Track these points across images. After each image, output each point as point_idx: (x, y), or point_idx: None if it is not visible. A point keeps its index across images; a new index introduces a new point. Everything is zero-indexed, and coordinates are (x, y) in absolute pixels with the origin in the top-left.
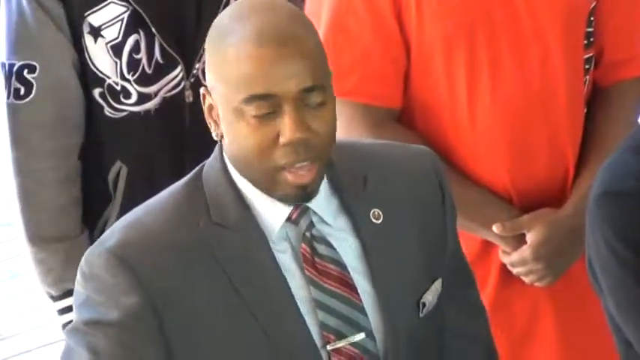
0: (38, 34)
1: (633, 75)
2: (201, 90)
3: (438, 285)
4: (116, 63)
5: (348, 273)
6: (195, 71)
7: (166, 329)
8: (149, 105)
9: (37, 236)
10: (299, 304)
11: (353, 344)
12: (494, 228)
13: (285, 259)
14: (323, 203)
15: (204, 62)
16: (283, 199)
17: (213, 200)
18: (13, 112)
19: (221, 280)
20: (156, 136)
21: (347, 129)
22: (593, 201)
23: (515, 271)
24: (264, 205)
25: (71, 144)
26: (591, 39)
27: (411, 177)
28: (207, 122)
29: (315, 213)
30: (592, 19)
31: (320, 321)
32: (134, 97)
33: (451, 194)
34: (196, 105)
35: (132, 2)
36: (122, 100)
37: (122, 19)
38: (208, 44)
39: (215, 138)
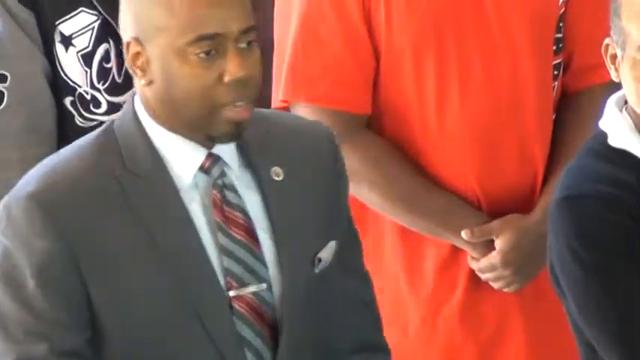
0: (9, 43)
1: (602, 80)
2: (125, 39)
3: (332, 245)
4: (86, 72)
5: (253, 223)
6: None
7: (83, 272)
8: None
9: None
10: (207, 249)
11: (253, 293)
12: (463, 234)
13: (194, 207)
14: (231, 156)
15: None
16: (219, 137)
17: (126, 150)
18: None
19: (135, 226)
20: None
21: None
22: (554, 206)
23: (483, 276)
24: (177, 154)
25: (41, 153)
26: (560, 45)
27: (310, 144)
28: (131, 70)
29: (225, 163)
30: (561, 25)
31: (225, 267)
32: (104, 107)
33: (344, 164)
34: None
35: (102, 11)
36: (92, 109)
37: (93, 28)
38: None
39: (141, 85)
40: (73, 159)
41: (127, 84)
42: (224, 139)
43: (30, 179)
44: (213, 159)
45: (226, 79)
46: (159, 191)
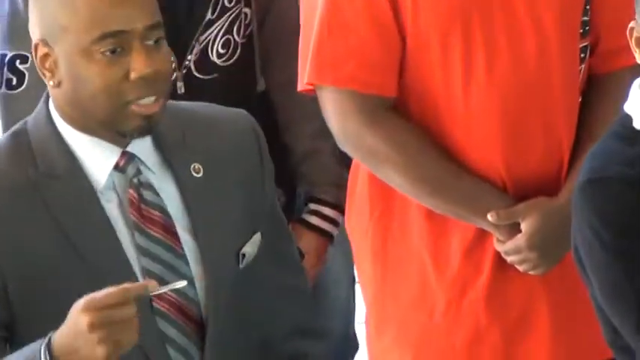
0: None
1: (629, 63)
2: (34, 41)
3: (257, 238)
4: None
5: (172, 221)
6: (187, 62)
7: (4, 272)
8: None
9: None
10: (125, 250)
11: (174, 291)
12: (489, 217)
13: (112, 208)
14: (148, 155)
15: (196, 54)
16: (130, 132)
17: (39, 151)
18: (5, 101)
19: (52, 227)
20: None
21: (341, 117)
22: (578, 188)
23: (509, 259)
24: (91, 154)
25: None
26: (587, 28)
27: (231, 135)
28: (41, 73)
29: (141, 162)
30: (588, 7)
31: (143, 266)
32: None
33: (268, 153)
34: (188, 96)
35: None
36: None
37: None
38: None
39: (50, 86)
40: None
41: None
42: (135, 134)
43: None
44: (128, 157)
45: (132, 76)
46: (75, 192)
